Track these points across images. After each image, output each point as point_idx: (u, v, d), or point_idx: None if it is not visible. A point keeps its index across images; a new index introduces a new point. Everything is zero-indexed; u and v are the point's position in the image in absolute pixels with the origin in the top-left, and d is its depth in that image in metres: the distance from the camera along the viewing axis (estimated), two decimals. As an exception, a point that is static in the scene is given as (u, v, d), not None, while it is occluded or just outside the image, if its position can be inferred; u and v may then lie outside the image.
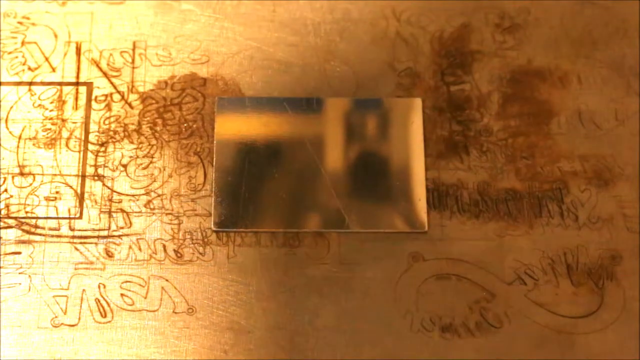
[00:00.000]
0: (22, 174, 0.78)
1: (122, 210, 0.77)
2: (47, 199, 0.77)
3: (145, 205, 0.77)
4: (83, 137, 0.79)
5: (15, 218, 0.76)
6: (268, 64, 0.81)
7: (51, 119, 0.79)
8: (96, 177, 0.78)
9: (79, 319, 0.74)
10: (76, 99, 0.80)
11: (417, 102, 0.79)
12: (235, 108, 0.79)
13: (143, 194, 0.77)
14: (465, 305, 0.74)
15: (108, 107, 0.80)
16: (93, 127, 0.79)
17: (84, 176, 0.78)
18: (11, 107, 0.80)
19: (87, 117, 0.79)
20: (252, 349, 0.73)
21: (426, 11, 0.82)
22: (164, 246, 0.76)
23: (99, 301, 0.74)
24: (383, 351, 0.73)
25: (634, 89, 0.80)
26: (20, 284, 0.75)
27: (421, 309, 0.74)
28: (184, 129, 0.79)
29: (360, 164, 0.77)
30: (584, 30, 0.82)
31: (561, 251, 0.75)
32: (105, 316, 0.74)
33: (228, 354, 0.73)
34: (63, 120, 0.79)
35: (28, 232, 0.76)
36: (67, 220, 0.76)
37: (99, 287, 0.75)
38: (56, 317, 0.74)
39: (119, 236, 0.76)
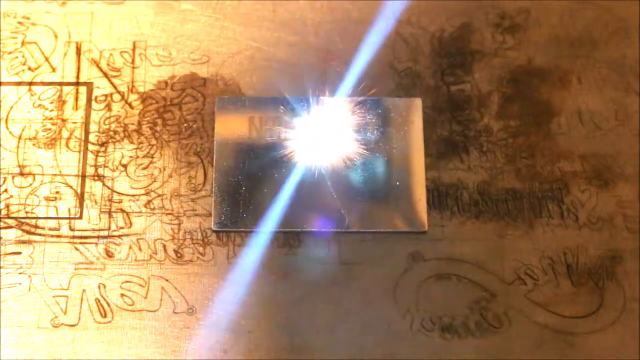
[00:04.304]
0: (22, 174, 0.78)
1: (122, 210, 0.77)
2: (47, 199, 0.77)
3: (145, 205, 0.77)
4: (83, 137, 0.79)
5: (15, 218, 0.76)
6: (268, 64, 0.81)
7: (51, 119, 0.79)
8: (96, 177, 0.78)
9: (79, 319, 0.74)
10: (76, 99, 0.80)
11: (417, 102, 0.79)
12: (235, 108, 0.79)
13: (143, 194, 0.77)
14: (465, 305, 0.74)
15: (108, 107, 0.80)
16: (93, 127, 0.79)
17: (84, 176, 0.78)
18: (11, 107, 0.80)
19: (87, 117, 0.79)
20: (252, 349, 0.73)
21: (426, 11, 0.82)
22: (164, 246, 0.76)
23: (99, 301, 0.74)
24: (383, 351, 0.73)
25: (634, 89, 0.80)
26: (20, 284, 0.75)
27: (421, 309, 0.74)
28: (184, 129, 0.79)
29: (360, 163, 0.77)
30: (584, 30, 0.82)
31: (561, 251, 0.75)
32: (105, 316, 0.74)
33: (228, 354, 0.73)
34: (63, 120, 0.79)
35: (28, 232, 0.76)
36: (67, 220, 0.76)
37: (99, 287, 0.75)
38: (56, 317, 0.74)
39: (119, 236, 0.76)
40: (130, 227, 0.76)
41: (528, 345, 0.73)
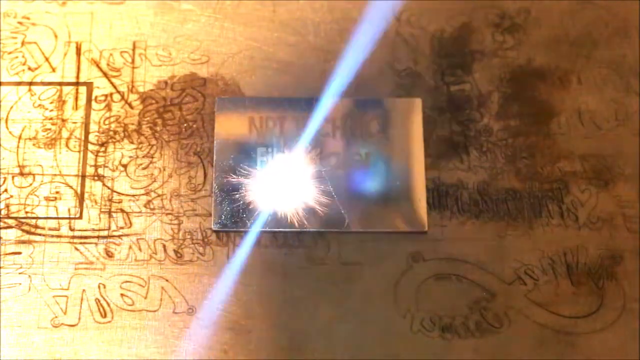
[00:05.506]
0: (22, 174, 0.78)
1: (122, 210, 0.77)
2: (47, 199, 0.77)
3: (145, 205, 0.77)
4: (83, 137, 0.79)
5: (15, 218, 0.76)
6: (268, 64, 0.81)
7: (51, 119, 0.79)
8: (96, 177, 0.78)
9: (79, 319, 0.74)
10: (76, 99, 0.80)
11: (417, 102, 0.79)
12: (235, 108, 0.79)
13: (143, 194, 0.77)
14: (465, 305, 0.74)
15: (108, 107, 0.80)
16: (93, 127, 0.79)
17: (84, 176, 0.78)
18: (11, 107, 0.80)
19: (87, 117, 0.79)
20: (252, 349, 0.73)
21: (426, 11, 0.82)
22: (164, 246, 0.76)
23: (99, 301, 0.74)
24: (383, 351, 0.73)
25: (634, 89, 0.80)
26: (20, 284, 0.75)
27: (421, 309, 0.74)
28: (184, 129, 0.79)
29: (361, 164, 0.77)
30: (584, 30, 0.82)
31: (561, 251, 0.75)
32: (105, 316, 0.74)
33: (228, 354, 0.73)
34: (63, 120, 0.79)
35: (28, 232, 0.76)
36: (67, 220, 0.76)
37: (99, 287, 0.75)
38: (56, 317, 0.74)
39: (119, 236, 0.76)
40: (130, 227, 0.76)
41: (528, 345, 0.73)
